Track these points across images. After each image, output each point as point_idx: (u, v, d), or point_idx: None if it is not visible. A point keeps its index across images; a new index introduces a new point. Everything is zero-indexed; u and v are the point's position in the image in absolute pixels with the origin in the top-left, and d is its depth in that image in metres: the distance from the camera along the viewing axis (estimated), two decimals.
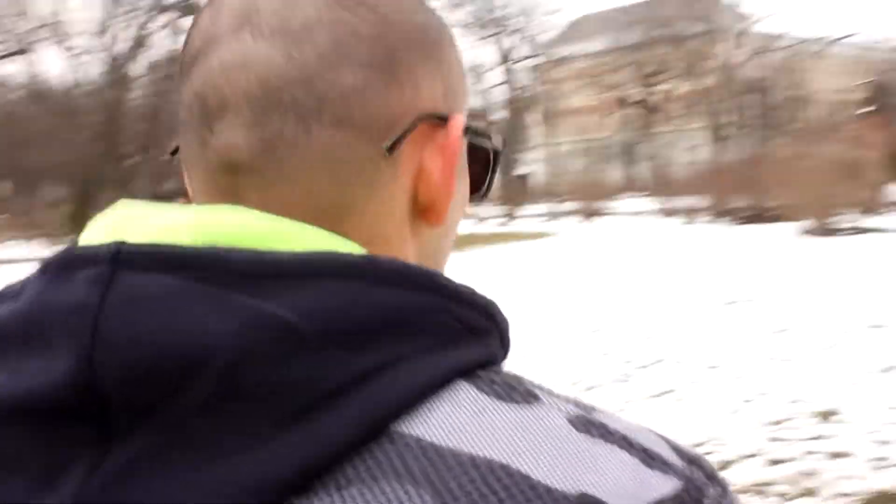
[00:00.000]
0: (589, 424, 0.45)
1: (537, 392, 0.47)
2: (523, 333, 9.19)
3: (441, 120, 0.55)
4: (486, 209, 44.17)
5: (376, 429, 0.43)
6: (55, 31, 46.88)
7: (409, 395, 0.44)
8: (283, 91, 0.51)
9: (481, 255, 20.56)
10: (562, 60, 54.67)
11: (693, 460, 0.47)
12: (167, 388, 0.41)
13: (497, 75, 58.84)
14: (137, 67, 53.28)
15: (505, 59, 56.73)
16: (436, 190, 0.54)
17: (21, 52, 46.24)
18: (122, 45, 50.28)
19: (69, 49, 48.16)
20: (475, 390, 0.46)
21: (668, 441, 0.48)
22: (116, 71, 50.07)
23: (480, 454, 0.42)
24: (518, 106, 57.87)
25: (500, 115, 58.85)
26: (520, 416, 0.45)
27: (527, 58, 57.09)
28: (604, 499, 0.41)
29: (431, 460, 0.42)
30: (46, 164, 49.97)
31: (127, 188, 52.24)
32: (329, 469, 0.42)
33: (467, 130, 0.58)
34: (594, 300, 11.33)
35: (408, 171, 0.54)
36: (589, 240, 23.04)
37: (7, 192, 65.09)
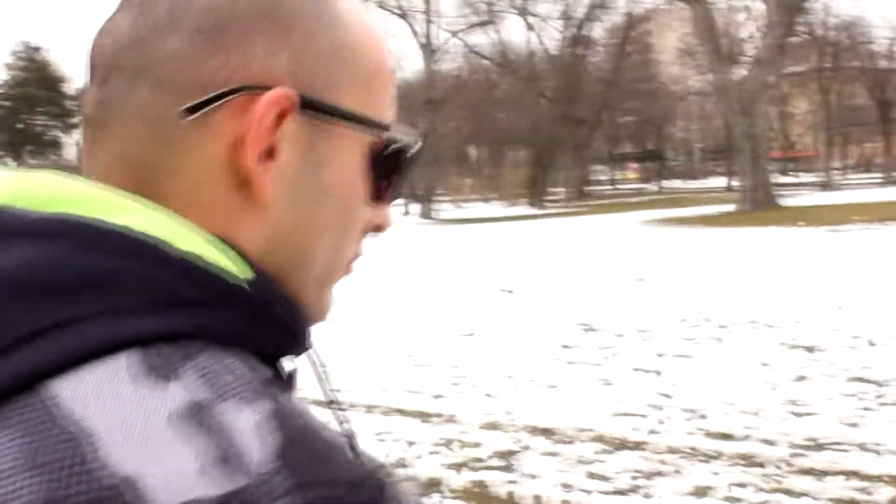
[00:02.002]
0: (192, 419, 0.44)
1: (184, 376, 0.46)
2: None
3: (264, 91, 0.54)
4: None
5: (26, 383, 0.45)
6: (519, 1, 48.85)
7: (70, 356, 0.45)
8: (121, 54, 0.56)
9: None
10: None
11: (299, 470, 0.44)
12: None
13: None
14: (595, 31, 53.74)
15: None
16: (244, 162, 0.54)
17: (488, 22, 48.81)
18: (581, 10, 51.13)
19: (532, 16, 49.93)
20: (135, 361, 0.46)
21: (281, 447, 0.44)
22: (575, 35, 50.90)
23: (78, 422, 0.43)
24: None
25: None
26: (137, 396, 0.45)
27: None
28: (137, 489, 0.41)
29: (42, 418, 0.44)
30: (511, 129, 52.51)
31: (581, 151, 53.19)
32: None
33: (346, 117, 0.58)
34: None
35: (223, 140, 0.54)
36: None
37: (477, 156, 69.74)
